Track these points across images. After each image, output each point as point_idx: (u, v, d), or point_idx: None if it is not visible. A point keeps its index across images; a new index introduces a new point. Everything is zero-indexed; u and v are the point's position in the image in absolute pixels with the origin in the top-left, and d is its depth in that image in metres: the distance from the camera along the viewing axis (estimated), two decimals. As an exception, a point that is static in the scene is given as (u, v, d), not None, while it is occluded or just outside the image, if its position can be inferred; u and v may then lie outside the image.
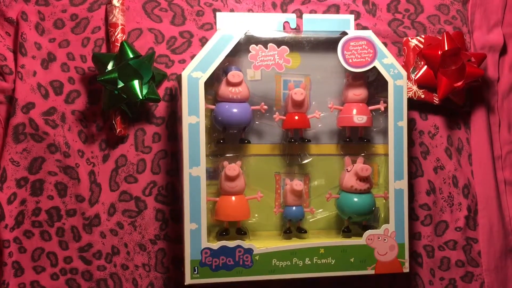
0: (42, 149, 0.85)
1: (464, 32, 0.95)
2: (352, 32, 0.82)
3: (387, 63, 0.82)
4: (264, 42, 0.80)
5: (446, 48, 0.88)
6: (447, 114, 0.94)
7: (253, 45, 0.80)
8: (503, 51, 0.97)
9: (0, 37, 0.85)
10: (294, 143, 0.85)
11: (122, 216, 0.87)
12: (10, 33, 0.85)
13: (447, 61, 0.88)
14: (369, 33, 0.82)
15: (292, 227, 0.85)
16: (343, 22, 0.86)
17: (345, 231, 0.85)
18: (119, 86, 0.81)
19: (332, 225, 0.88)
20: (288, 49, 0.80)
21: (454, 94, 0.90)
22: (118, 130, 0.85)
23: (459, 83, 0.88)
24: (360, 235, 0.82)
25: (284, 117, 0.84)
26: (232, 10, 0.90)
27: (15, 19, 0.85)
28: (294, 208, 0.84)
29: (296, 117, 0.83)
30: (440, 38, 0.89)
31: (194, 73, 0.77)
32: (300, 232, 0.85)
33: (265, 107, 0.83)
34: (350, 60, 0.82)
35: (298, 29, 0.88)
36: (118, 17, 0.85)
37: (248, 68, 0.83)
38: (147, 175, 0.87)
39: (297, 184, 0.83)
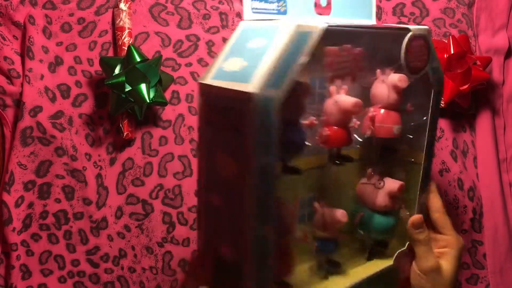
0: (49, 152, 0.85)
1: (470, 35, 0.95)
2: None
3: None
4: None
5: (452, 52, 0.88)
6: (452, 117, 0.94)
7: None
8: (508, 54, 0.97)
9: (8, 41, 0.85)
10: (340, 164, 0.68)
11: (129, 219, 0.87)
12: (17, 37, 0.86)
13: (453, 65, 0.89)
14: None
15: (322, 258, 0.70)
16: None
17: (373, 252, 0.74)
18: (127, 89, 0.81)
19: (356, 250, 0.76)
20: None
21: (460, 97, 0.90)
22: (125, 134, 0.85)
23: (465, 87, 0.89)
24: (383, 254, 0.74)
25: (329, 132, 0.64)
26: (238, 14, 0.90)
27: (22, 23, 0.85)
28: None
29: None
30: (446, 41, 0.90)
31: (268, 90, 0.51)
32: (333, 266, 0.70)
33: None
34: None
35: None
36: (125, 20, 0.85)
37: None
38: (154, 178, 0.87)
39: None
